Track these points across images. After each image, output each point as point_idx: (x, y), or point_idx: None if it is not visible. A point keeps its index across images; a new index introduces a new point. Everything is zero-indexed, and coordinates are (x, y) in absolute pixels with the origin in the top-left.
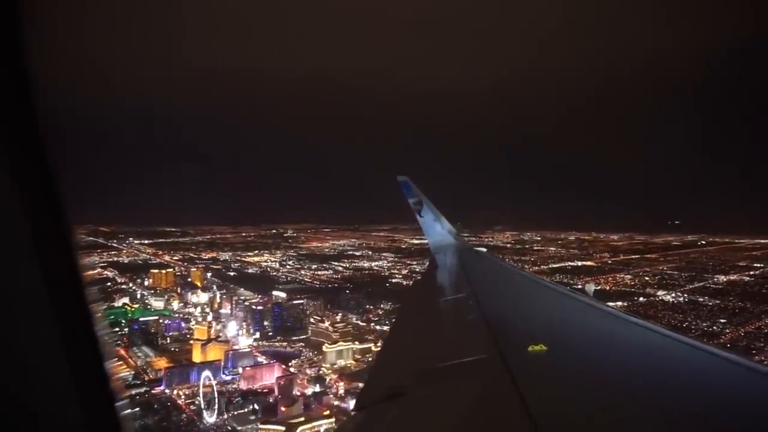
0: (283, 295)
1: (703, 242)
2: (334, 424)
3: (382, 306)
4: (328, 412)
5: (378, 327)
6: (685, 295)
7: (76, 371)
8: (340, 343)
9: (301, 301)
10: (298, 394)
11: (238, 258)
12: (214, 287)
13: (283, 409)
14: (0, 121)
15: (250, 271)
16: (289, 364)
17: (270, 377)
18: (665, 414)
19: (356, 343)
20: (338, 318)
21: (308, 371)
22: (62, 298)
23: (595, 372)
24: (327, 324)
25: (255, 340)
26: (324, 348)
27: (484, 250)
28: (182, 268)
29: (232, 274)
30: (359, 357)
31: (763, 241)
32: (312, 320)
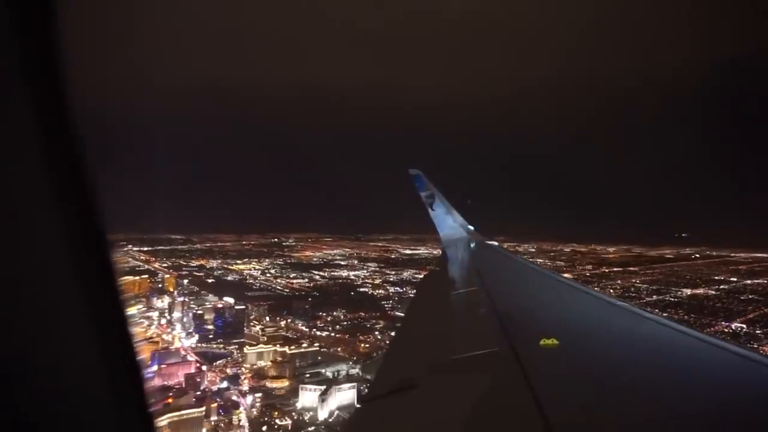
0: (231, 300)
1: (697, 255)
2: (203, 412)
3: (334, 313)
4: (215, 405)
5: (319, 333)
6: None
7: (109, 366)
8: (260, 345)
9: (243, 307)
10: (204, 389)
11: (224, 266)
12: (175, 293)
13: (170, 401)
14: (38, 123)
15: (229, 278)
16: (215, 363)
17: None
18: (677, 409)
19: (277, 346)
20: (283, 324)
21: (228, 370)
22: (96, 295)
23: (606, 366)
24: (258, 328)
25: (195, 342)
26: (245, 350)
27: (496, 243)
28: (166, 275)
29: (210, 281)
30: (279, 359)
31: (759, 255)
32: (252, 325)
